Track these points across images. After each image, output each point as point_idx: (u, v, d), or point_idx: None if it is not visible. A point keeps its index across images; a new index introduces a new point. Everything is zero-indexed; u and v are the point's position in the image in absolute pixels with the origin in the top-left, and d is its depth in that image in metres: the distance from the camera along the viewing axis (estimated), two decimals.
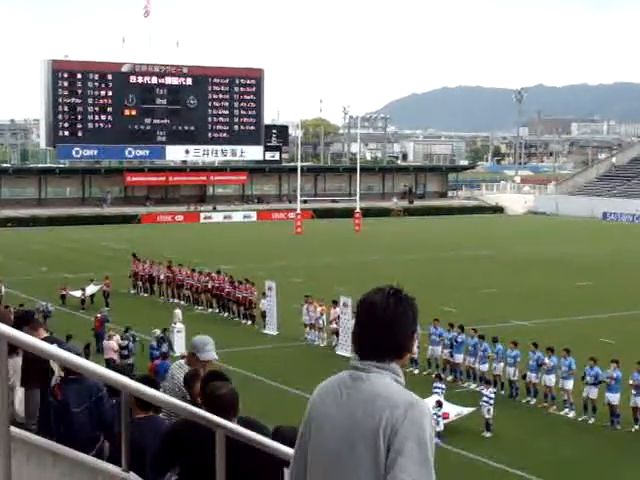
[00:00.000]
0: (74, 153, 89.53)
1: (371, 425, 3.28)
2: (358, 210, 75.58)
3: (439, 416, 21.09)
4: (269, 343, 32.97)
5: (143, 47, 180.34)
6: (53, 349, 4.95)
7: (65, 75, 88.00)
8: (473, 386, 26.79)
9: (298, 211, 74.91)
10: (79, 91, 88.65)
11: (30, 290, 41.04)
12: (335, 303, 32.64)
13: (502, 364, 26.28)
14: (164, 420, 6.70)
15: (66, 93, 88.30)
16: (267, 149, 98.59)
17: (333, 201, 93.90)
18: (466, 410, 22.54)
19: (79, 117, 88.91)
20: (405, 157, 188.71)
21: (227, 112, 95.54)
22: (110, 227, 77.04)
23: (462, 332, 27.92)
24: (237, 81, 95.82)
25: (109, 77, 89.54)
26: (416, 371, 28.05)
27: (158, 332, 28.41)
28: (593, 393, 23.64)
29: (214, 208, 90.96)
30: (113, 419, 7.24)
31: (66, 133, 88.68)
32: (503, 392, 25.89)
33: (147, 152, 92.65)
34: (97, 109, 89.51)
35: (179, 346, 28.18)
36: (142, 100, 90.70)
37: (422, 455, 3.23)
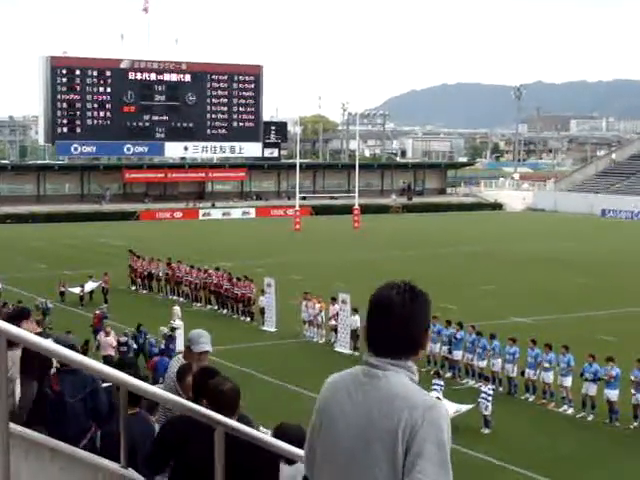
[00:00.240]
0: (73, 150, 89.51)
1: (389, 426, 3.24)
2: (357, 207, 75.59)
3: None
4: (268, 340, 32.97)
5: (142, 43, 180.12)
6: (54, 346, 4.95)
7: (64, 71, 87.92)
8: (472, 383, 26.81)
9: (297, 208, 74.91)
10: (78, 87, 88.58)
11: (29, 287, 41.05)
12: (334, 300, 32.63)
13: (500, 360, 26.31)
14: (150, 416, 6.74)
15: (65, 89, 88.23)
16: (266, 146, 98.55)
17: (332, 198, 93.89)
18: (465, 407, 22.53)
19: (78, 113, 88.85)
20: (404, 154, 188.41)
21: (226, 109, 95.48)
22: (109, 224, 77.02)
23: (461, 329, 27.93)
24: (236, 78, 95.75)
25: (108, 73, 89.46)
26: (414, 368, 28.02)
27: (166, 330, 28.33)
28: (592, 390, 23.65)
29: (213, 205, 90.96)
30: (108, 411, 7.32)
31: (65, 130, 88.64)
32: (501, 389, 25.92)
33: (146, 149, 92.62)
34: (96, 105, 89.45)
35: (179, 343, 28.15)
36: (141, 97, 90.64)
37: (441, 457, 3.21)
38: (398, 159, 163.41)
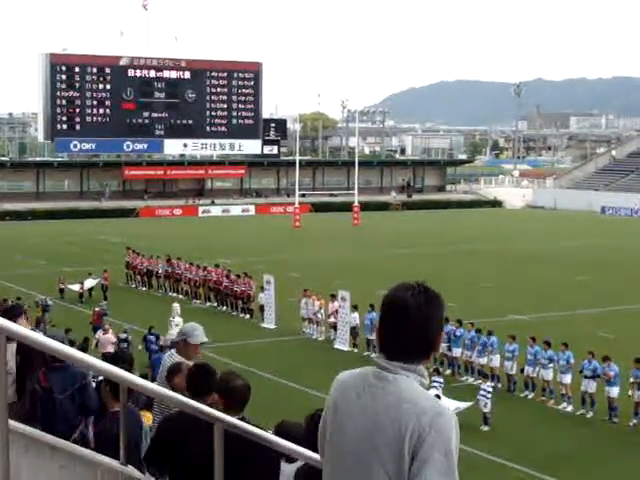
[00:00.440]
0: (72, 147, 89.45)
1: (396, 431, 3.21)
2: (356, 204, 75.60)
3: None
4: (267, 337, 32.98)
5: (141, 40, 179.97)
6: (53, 343, 4.94)
7: (63, 68, 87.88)
8: (471, 380, 26.82)
9: (296, 205, 74.90)
10: (77, 84, 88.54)
11: (29, 284, 41.04)
12: (333, 297, 32.63)
13: (498, 357, 26.32)
14: (138, 410, 6.75)
15: (64, 86, 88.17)
16: (265, 143, 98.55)
17: (331, 195, 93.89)
18: (464, 404, 22.53)
19: (77, 110, 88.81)
20: (403, 151, 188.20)
21: (225, 106, 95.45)
22: (108, 221, 77.01)
23: (460, 326, 27.92)
24: (235, 75, 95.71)
25: (107, 70, 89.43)
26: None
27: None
28: (591, 387, 23.66)
29: (212, 202, 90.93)
30: (98, 406, 7.36)
31: (64, 127, 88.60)
32: (500, 385, 25.91)
33: (145, 146, 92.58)
34: (95, 102, 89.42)
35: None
36: (140, 94, 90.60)
37: (448, 465, 3.18)
38: (397, 156, 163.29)
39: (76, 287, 39.50)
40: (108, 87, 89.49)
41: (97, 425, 7.14)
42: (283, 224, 71.95)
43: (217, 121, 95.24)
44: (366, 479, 3.28)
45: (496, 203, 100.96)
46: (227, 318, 36.17)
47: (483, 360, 26.71)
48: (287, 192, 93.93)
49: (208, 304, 38.77)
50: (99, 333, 28.39)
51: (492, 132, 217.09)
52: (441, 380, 23.47)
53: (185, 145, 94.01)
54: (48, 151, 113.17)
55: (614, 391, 23.13)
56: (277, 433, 5.46)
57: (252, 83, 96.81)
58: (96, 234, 65.70)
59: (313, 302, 32.98)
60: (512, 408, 24.44)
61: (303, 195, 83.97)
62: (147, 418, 8.17)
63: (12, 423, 4.91)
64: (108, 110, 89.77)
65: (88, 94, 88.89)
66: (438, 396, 21.83)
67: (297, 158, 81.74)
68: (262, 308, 35.41)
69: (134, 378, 4.93)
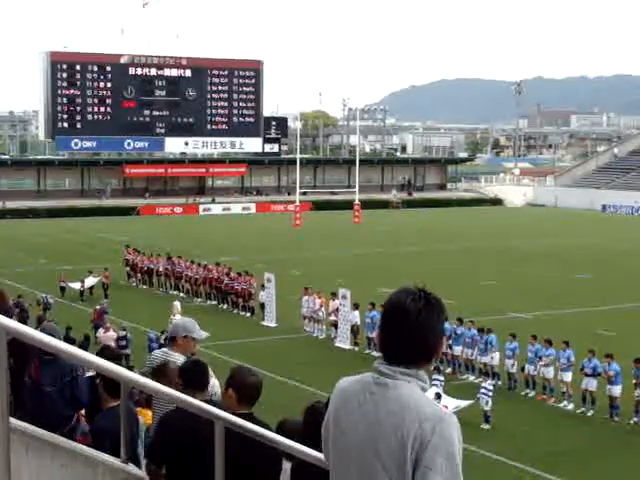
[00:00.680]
0: (73, 145, 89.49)
1: (399, 438, 3.21)
2: (357, 202, 75.51)
3: None
4: (268, 335, 32.97)
5: (142, 38, 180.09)
6: (48, 338, 4.93)
7: (64, 66, 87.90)
8: (472, 378, 26.82)
9: (297, 203, 74.83)
10: (78, 83, 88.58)
11: (29, 282, 41.04)
12: (334, 295, 32.63)
13: (497, 354, 26.33)
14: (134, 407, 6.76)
15: (65, 85, 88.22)
16: (266, 141, 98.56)
17: (332, 193, 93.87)
18: (464, 402, 22.54)
19: (78, 109, 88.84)
20: (404, 149, 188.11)
21: (226, 104, 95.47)
22: (109, 219, 77.03)
23: (460, 324, 27.92)
24: (236, 73, 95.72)
25: (108, 69, 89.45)
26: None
27: None
28: (592, 385, 23.66)
29: (213, 200, 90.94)
30: (89, 399, 7.38)
31: (65, 125, 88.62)
32: (500, 383, 25.90)
33: (146, 144, 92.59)
34: (96, 101, 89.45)
35: None
36: (141, 92, 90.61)
37: (451, 470, 3.18)
38: (398, 154, 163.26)
39: (77, 285, 39.52)
40: (109, 85, 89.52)
41: (93, 421, 7.15)
42: (284, 222, 71.91)
43: (218, 119, 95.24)
44: None
45: (497, 201, 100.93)
46: (228, 316, 36.17)
47: (484, 359, 26.71)
48: (288, 190, 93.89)
49: (209, 302, 38.77)
50: (100, 331, 28.41)
51: (493, 130, 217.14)
52: (442, 378, 23.48)
53: (186, 143, 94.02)
54: (49, 149, 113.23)
55: (616, 390, 23.11)
56: (278, 431, 5.47)
57: (253, 81, 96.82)
58: (97, 232, 65.71)
59: (314, 300, 32.99)
60: (513, 406, 24.43)
61: (304, 193, 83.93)
62: (144, 415, 8.16)
63: (13, 421, 4.91)
64: (109, 108, 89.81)
65: (89, 92, 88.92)
66: (439, 394, 21.87)
67: (298, 156, 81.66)
68: (263, 306, 35.42)
69: (127, 373, 4.92)
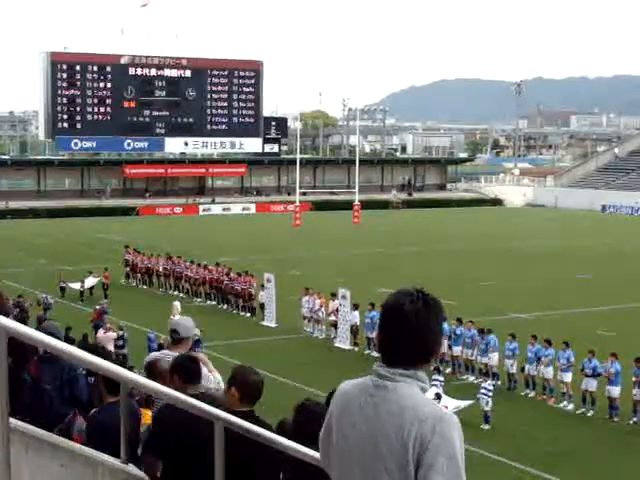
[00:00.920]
0: (73, 145, 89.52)
1: (400, 440, 3.22)
2: (357, 202, 75.51)
3: None
4: (268, 335, 32.97)
5: (142, 39, 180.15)
6: (47, 338, 4.94)
7: (64, 67, 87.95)
8: (471, 378, 26.82)
9: (297, 203, 74.84)
10: (78, 83, 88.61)
11: (29, 282, 41.03)
12: (334, 295, 32.63)
13: (496, 354, 26.33)
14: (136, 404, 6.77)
15: (65, 85, 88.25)
16: (266, 141, 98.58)
17: (332, 193, 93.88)
18: (464, 403, 22.55)
19: (78, 109, 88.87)
20: (404, 149, 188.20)
21: (226, 104, 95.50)
22: (109, 219, 77.03)
23: (460, 324, 27.92)
24: (236, 73, 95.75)
25: (108, 69, 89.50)
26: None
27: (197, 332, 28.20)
28: (592, 386, 23.66)
29: (213, 200, 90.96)
30: (89, 397, 7.38)
31: (65, 125, 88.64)
32: (499, 383, 25.89)
33: (146, 144, 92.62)
34: (96, 101, 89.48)
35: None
36: (141, 92, 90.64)
37: (453, 469, 3.19)
38: (398, 154, 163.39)
39: (77, 285, 39.53)
40: (109, 85, 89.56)
41: (89, 416, 7.12)
42: (283, 222, 71.92)
43: (218, 119, 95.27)
44: None
45: (497, 201, 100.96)
46: (228, 316, 36.18)
47: (484, 359, 26.70)
48: (288, 190, 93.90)
49: (209, 302, 38.78)
50: (100, 332, 28.40)
51: (493, 130, 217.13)
52: (441, 378, 23.47)
53: (186, 143, 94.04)
54: (49, 149, 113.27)
55: (615, 391, 23.12)
56: (279, 432, 5.47)
57: (253, 81, 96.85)
58: (97, 232, 65.73)
59: (314, 300, 32.99)
60: (513, 407, 24.44)
61: (304, 193, 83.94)
62: (143, 415, 8.15)
63: (13, 421, 4.90)
64: (109, 108, 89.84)
65: (89, 92, 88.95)
66: (439, 394, 21.87)
67: (298, 156, 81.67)
68: (262, 306, 35.43)
69: (127, 373, 4.93)
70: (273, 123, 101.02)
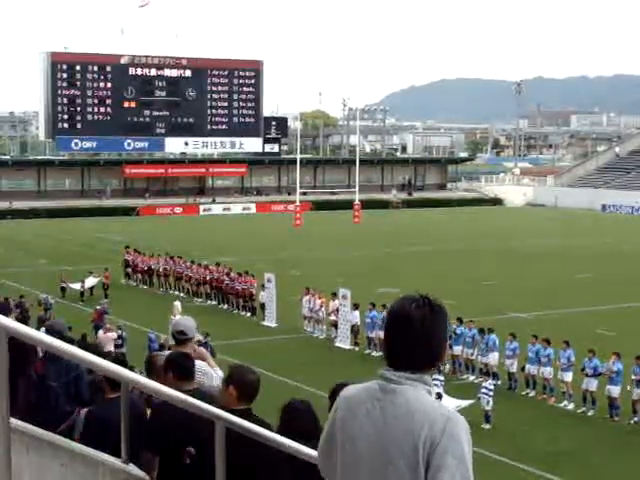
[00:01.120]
0: (73, 145, 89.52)
1: (409, 442, 3.24)
2: (357, 202, 75.46)
3: None
4: (268, 335, 32.97)
5: (142, 39, 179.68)
6: (48, 339, 4.94)
7: (64, 67, 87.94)
8: (472, 378, 26.83)
9: (297, 203, 74.80)
10: (78, 83, 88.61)
11: (30, 282, 41.04)
12: (334, 295, 32.63)
13: (496, 354, 26.33)
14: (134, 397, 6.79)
15: (65, 85, 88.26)
16: (266, 141, 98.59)
17: (332, 193, 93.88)
18: (465, 402, 22.55)
19: (78, 109, 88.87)
20: (404, 149, 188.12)
21: (226, 104, 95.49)
22: (109, 219, 77.03)
23: (460, 324, 27.91)
24: (236, 73, 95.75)
25: (108, 69, 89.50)
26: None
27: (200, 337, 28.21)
28: (592, 385, 23.67)
29: (213, 200, 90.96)
30: (91, 396, 7.41)
31: (65, 125, 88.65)
32: (499, 382, 25.89)
33: (146, 144, 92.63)
34: (96, 101, 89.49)
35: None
36: (141, 92, 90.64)
37: (462, 469, 3.21)
38: (398, 154, 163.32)
39: (77, 286, 39.54)
40: (109, 85, 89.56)
41: (87, 411, 7.13)
42: (284, 222, 71.89)
43: (218, 119, 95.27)
44: None
45: (497, 201, 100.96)
46: (228, 316, 36.19)
47: (485, 359, 26.70)
48: (288, 190, 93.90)
49: (209, 302, 38.78)
50: (100, 332, 28.40)
51: (493, 130, 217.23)
52: (442, 378, 23.46)
53: (186, 143, 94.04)
54: (49, 149, 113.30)
55: (615, 390, 23.13)
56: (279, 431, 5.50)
57: (253, 81, 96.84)
58: (97, 232, 65.73)
59: (314, 300, 33.00)
60: (513, 406, 24.44)
61: (304, 193, 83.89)
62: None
63: (13, 421, 4.90)
64: (109, 108, 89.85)
65: (89, 92, 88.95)
66: (439, 394, 21.86)
67: (298, 156, 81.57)
68: (263, 306, 35.43)
69: (127, 373, 4.93)
70: (273, 123, 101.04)
